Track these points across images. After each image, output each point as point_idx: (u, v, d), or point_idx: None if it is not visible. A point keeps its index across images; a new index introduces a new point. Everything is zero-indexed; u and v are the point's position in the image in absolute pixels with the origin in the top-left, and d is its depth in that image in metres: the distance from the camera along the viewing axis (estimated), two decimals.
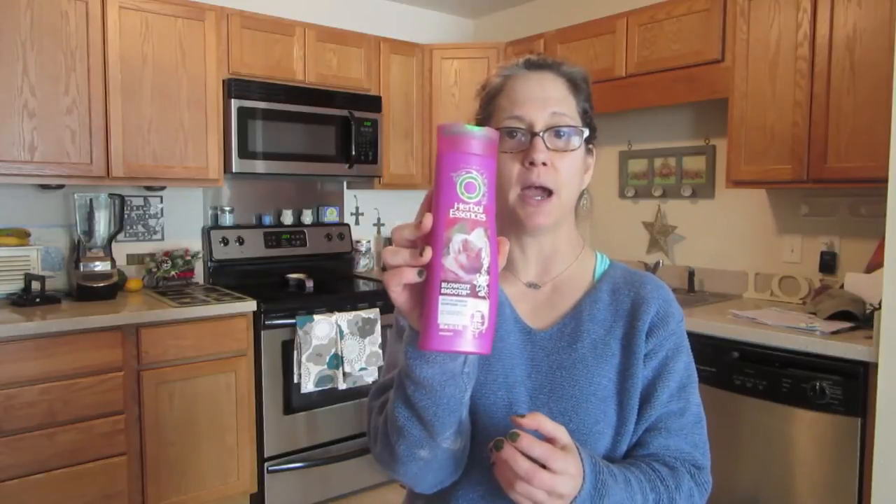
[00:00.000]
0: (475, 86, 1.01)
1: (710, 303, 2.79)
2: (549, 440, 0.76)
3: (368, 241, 3.84)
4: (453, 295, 0.65)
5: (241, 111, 2.95)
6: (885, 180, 1.95)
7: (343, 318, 2.89)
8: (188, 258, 3.18)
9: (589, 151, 0.98)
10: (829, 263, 2.67)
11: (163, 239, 3.21)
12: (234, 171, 2.96)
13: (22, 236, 2.76)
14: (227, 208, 3.30)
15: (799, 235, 2.78)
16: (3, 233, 2.72)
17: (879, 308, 1.97)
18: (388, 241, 3.81)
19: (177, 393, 2.62)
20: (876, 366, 1.97)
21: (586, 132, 0.93)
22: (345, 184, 3.75)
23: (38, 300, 2.58)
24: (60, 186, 2.85)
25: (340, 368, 2.87)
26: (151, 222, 3.17)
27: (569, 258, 1.00)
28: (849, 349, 2.03)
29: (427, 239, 0.66)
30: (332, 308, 2.91)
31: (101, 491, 2.47)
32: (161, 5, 2.79)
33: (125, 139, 2.74)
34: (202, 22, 2.89)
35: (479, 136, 0.67)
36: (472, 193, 0.66)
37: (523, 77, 0.94)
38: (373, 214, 3.93)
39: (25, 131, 2.53)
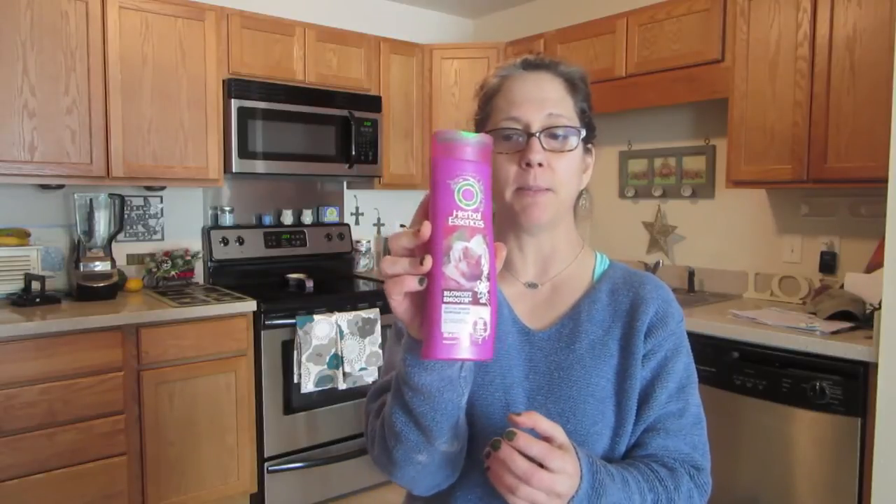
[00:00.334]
0: (475, 86, 1.01)
1: (710, 303, 2.79)
2: (546, 439, 0.76)
3: (368, 241, 3.84)
4: (455, 303, 0.65)
5: (241, 111, 2.95)
6: (885, 180, 1.95)
7: (343, 318, 2.89)
8: (188, 258, 3.18)
9: (587, 151, 0.98)
10: (829, 263, 2.67)
11: (163, 239, 3.21)
12: (234, 171, 2.96)
13: (22, 236, 2.76)
14: (227, 208, 3.30)
15: (799, 235, 2.78)
16: (3, 233, 2.72)
17: (879, 308, 1.97)
18: (388, 242, 3.81)
19: (177, 393, 2.62)
20: (876, 366, 1.97)
21: (583, 132, 0.93)
22: (345, 184, 3.75)
23: (38, 300, 2.58)
24: (60, 186, 2.85)
25: (340, 368, 2.87)
26: (151, 222, 3.17)
27: (568, 258, 1.00)
28: (849, 349, 2.03)
29: (426, 247, 0.66)
30: (332, 308, 2.91)
31: (101, 491, 2.47)
32: (161, 5, 2.79)
33: (125, 139, 2.74)
34: (202, 22, 2.90)
35: (474, 143, 0.67)
36: (469, 200, 0.66)
37: (520, 78, 0.94)
38: (373, 214, 3.93)
39: (25, 131, 2.53)
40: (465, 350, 0.65)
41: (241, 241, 3.28)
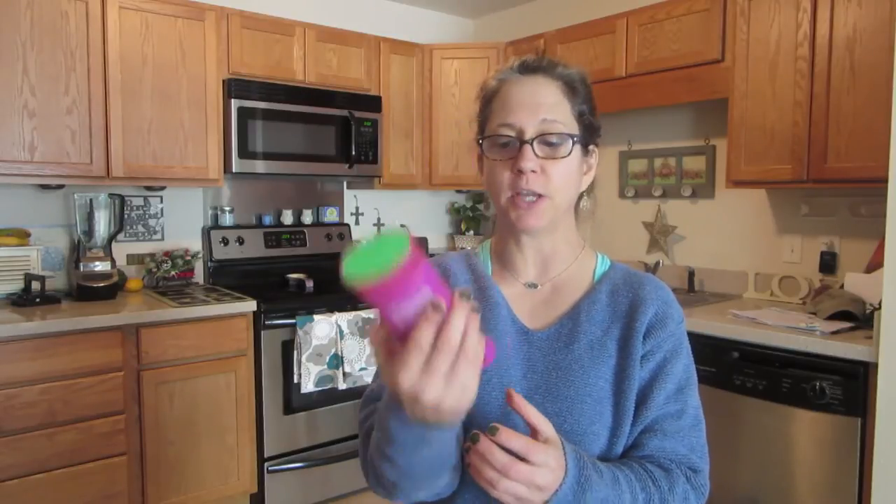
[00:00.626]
0: (475, 86, 1.01)
1: (710, 303, 2.79)
2: (533, 433, 0.76)
3: None
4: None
5: (241, 111, 2.95)
6: (885, 180, 1.95)
7: (343, 318, 2.89)
8: (188, 258, 3.18)
9: (588, 152, 0.98)
10: (829, 263, 2.67)
11: (163, 239, 3.21)
12: (234, 171, 2.96)
13: (22, 236, 2.76)
14: (227, 208, 3.30)
15: (799, 235, 2.78)
16: (3, 233, 2.72)
17: (879, 308, 1.97)
18: None
19: (177, 393, 2.62)
20: (876, 366, 1.97)
21: (577, 138, 0.93)
22: (345, 184, 3.75)
23: (38, 300, 2.58)
24: (60, 186, 2.85)
25: (340, 368, 2.87)
26: (151, 222, 3.17)
27: (568, 259, 1.00)
28: (849, 349, 2.03)
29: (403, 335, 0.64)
30: (332, 308, 2.91)
31: (101, 491, 2.47)
32: (161, 5, 2.79)
33: (125, 139, 2.74)
34: (202, 22, 2.90)
35: (400, 267, 0.58)
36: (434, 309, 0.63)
37: (517, 82, 0.94)
38: (373, 214, 3.93)
39: (25, 131, 2.53)
40: None
41: (241, 241, 3.28)
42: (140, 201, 3.14)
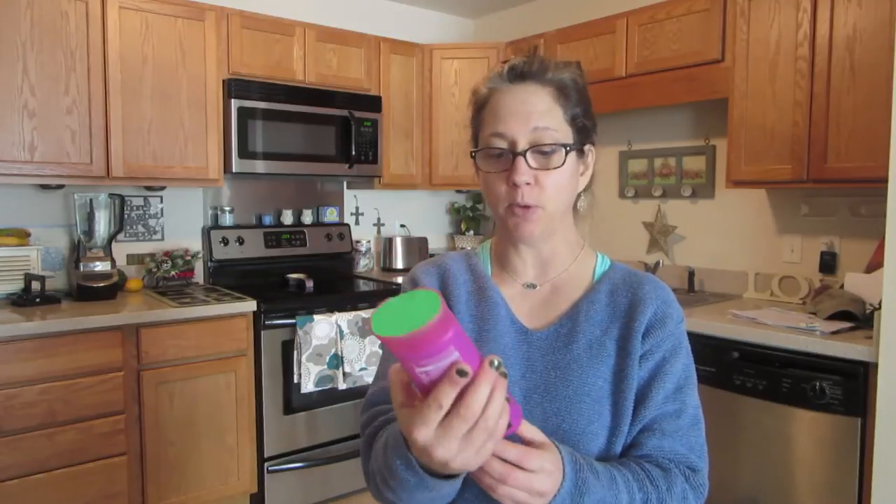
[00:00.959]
0: (468, 92, 1.01)
1: (710, 303, 2.79)
2: (526, 442, 0.76)
3: (368, 241, 3.84)
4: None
5: (241, 111, 2.95)
6: (885, 180, 1.95)
7: (343, 318, 2.89)
8: (188, 258, 3.18)
9: (583, 153, 0.97)
10: (829, 263, 2.67)
11: (163, 239, 3.21)
12: (234, 171, 2.96)
13: (22, 236, 2.76)
14: (227, 208, 3.30)
15: (799, 235, 2.78)
16: (3, 233, 2.72)
17: (879, 308, 1.97)
18: (388, 242, 3.82)
19: (177, 393, 2.63)
20: (876, 366, 1.96)
21: (572, 145, 0.92)
22: (345, 184, 3.75)
23: (38, 300, 2.58)
24: (60, 186, 2.85)
25: (340, 368, 2.87)
26: (151, 222, 3.17)
27: (567, 260, 1.00)
28: (849, 349, 2.03)
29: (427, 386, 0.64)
30: (332, 308, 2.91)
31: (101, 491, 2.47)
32: (161, 5, 2.79)
33: (125, 139, 2.74)
34: (202, 22, 2.90)
35: (427, 330, 0.58)
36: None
37: (506, 91, 0.93)
38: (373, 214, 3.93)
39: (25, 131, 2.53)
40: None
41: (241, 241, 3.28)
42: (140, 201, 3.14)
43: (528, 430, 0.77)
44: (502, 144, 0.91)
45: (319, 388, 2.85)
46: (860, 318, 2.26)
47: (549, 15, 3.72)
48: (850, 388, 2.03)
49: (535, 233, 0.92)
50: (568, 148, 0.91)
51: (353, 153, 3.26)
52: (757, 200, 2.91)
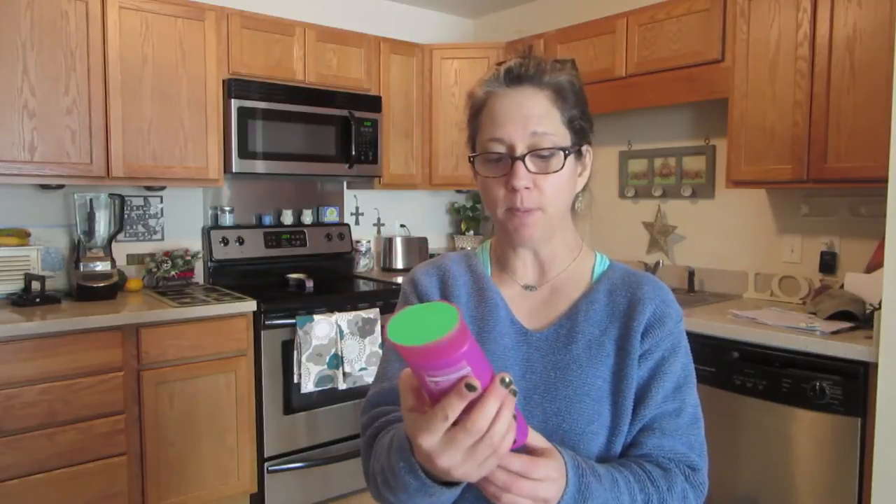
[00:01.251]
0: (465, 95, 1.00)
1: (710, 303, 2.79)
2: (530, 450, 0.76)
3: (368, 241, 3.84)
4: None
5: (241, 111, 2.95)
6: (885, 180, 1.95)
7: (343, 318, 2.89)
8: (188, 258, 3.18)
9: (581, 154, 0.97)
10: (829, 263, 2.67)
11: (163, 239, 3.21)
12: (234, 171, 2.96)
13: (22, 236, 2.76)
14: (227, 208, 3.30)
15: (799, 235, 2.78)
16: (3, 233, 2.72)
17: (879, 308, 1.97)
18: (388, 242, 3.82)
19: (177, 393, 2.63)
20: (876, 366, 1.96)
21: (570, 148, 0.92)
22: (345, 184, 3.75)
23: (38, 300, 2.58)
24: (60, 186, 2.85)
25: (340, 368, 2.87)
26: (151, 222, 3.17)
27: (566, 260, 1.00)
28: (849, 349, 2.03)
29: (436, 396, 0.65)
30: (332, 308, 2.91)
31: (101, 491, 2.47)
32: (161, 5, 2.79)
33: (125, 139, 2.74)
34: (202, 22, 2.90)
35: (444, 341, 0.58)
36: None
37: (503, 95, 0.92)
38: (373, 214, 3.93)
39: (25, 131, 2.53)
40: None
41: (241, 241, 3.28)
42: (140, 201, 3.14)
43: (532, 436, 0.77)
44: (500, 149, 0.90)
45: (319, 388, 2.85)
46: (860, 318, 2.26)
47: (548, 15, 3.72)
48: (850, 388, 2.03)
49: (534, 236, 0.92)
50: (567, 151, 0.91)
51: (353, 153, 3.26)
52: (757, 200, 2.91)
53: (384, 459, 0.81)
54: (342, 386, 2.89)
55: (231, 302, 2.75)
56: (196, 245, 3.29)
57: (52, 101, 2.57)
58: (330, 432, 3.00)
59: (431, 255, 3.89)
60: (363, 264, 3.80)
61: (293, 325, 2.82)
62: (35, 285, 2.62)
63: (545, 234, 0.93)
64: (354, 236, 3.76)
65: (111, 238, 2.89)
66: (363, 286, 3.33)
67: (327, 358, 2.85)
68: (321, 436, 2.98)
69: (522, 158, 0.89)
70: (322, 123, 3.18)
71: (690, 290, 3.08)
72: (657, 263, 3.17)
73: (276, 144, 3.06)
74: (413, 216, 4.07)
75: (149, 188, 3.11)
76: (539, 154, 0.90)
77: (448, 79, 3.62)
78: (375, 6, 3.83)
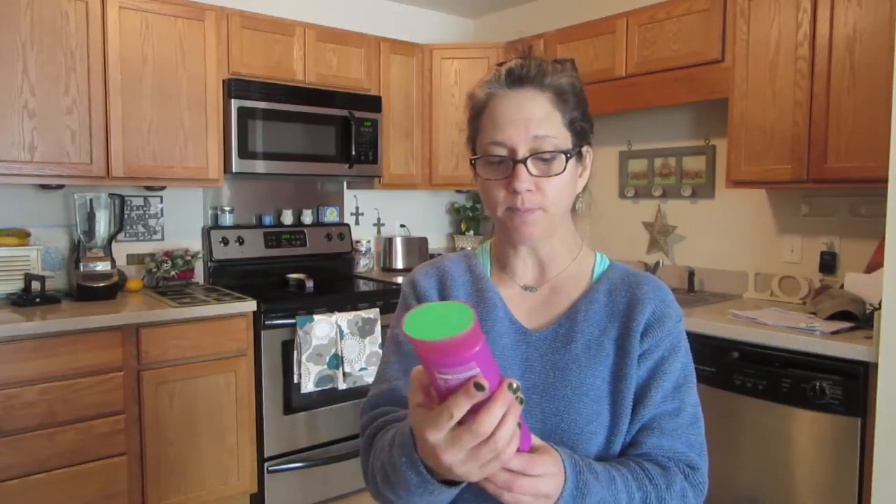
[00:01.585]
0: (465, 96, 0.99)
1: (710, 303, 2.79)
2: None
3: (368, 241, 3.84)
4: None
5: (241, 111, 2.95)
6: (885, 180, 1.95)
7: (343, 318, 2.89)
8: (188, 258, 3.18)
9: (581, 156, 0.97)
10: (829, 263, 2.67)
11: (163, 239, 3.21)
12: (234, 171, 2.96)
13: (22, 236, 2.76)
14: (227, 208, 3.30)
15: (799, 235, 2.78)
16: (3, 233, 2.72)
17: (879, 308, 1.97)
18: (388, 242, 3.82)
19: (177, 393, 2.63)
20: (876, 366, 1.96)
21: (571, 151, 0.92)
22: (345, 184, 3.75)
23: (38, 300, 2.58)
24: (60, 186, 2.85)
25: (340, 368, 2.87)
26: (151, 222, 3.17)
27: (566, 260, 1.00)
28: (849, 349, 2.03)
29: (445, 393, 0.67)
30: (332, 308, 2.91)
31: (101, 491, 2.47)
32: (161, 5, 2.79)
33: (125, 139, 2.74)
34: (202, 22, 2.90)
35: (457, 340, 0.60)
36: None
37: (504, 97, 0.91)
38: (373, 214, 3.93)
39: (25, 131, 2.53)
40: None
41: (241, 241, 3.28)
42: (140, 201, 3.14)
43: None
44: (502, 152, 0.90)
45: (319, 388, 2.85)
46: (860, 318, 2.26)
47: (548, 15, 3.72)
48: (850, 388, 2.03)
49: (535, 234, 0.92)
50: (568, 154, 0.91)
51: (353, 153, 3.26)
52: (757, 200, 2.91)
53: (385, 455, 0.81)
54: (342, 386, 2.89)
55: (231, 302, 2.75)
56: (196, 245, 3.29)
57: (52, 101, 2.57)
58: (330, 432, 3.00)
59: (431, 256, 3.89)
60: (363, 264, 3.80)
61: (293, 325, 2.82)
62: (35, 285, 2.62)
63: (546, 232, 0.93)
64: (354, 236, 3.76)
65: (111, 238, 2.90)
66: (363, 286, 3.33)
67: (327, 358, 2.85)
68: (321, 436, 2.98)
69: (524, 161, 0.89)
70: (322, 123, 3.18)
71: (690, 290, 3.08)
72: (657, 263, 3.17)
73: (276, 144, 3.06)
74: (413, 216, 4.07)
75: (149, 188, 3.11)
76: (540, 157, 0.90)
77: (448, 79, 3.62)
78: (375, 6, 3.83)
